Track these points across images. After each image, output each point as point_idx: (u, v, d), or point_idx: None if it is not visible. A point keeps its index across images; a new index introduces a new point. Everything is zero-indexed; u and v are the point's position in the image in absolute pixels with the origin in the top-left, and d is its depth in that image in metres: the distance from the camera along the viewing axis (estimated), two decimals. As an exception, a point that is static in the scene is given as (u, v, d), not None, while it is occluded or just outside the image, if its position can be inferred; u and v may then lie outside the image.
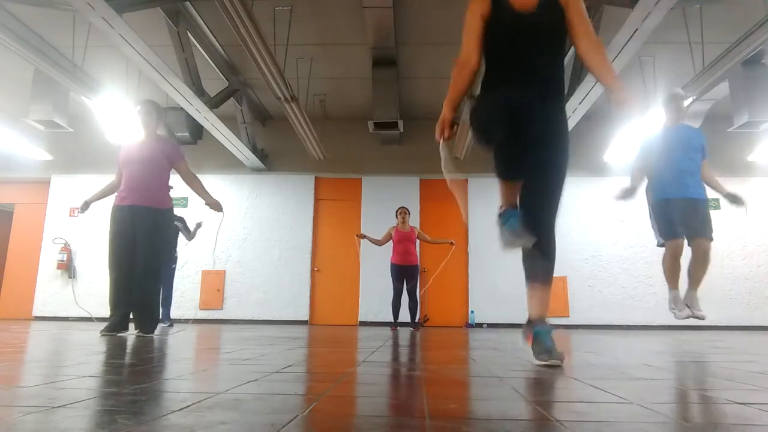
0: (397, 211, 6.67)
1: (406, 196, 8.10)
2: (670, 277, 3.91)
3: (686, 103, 4.70)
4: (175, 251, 6.21)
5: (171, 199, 4.05)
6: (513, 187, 2.12)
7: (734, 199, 3.97)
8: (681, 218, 3.81)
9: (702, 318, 3.84)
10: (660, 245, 4.00)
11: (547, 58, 2.12)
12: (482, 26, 2.13)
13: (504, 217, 2.12)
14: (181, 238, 6.27)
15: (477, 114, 2.02)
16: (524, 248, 2.11)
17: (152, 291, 3.92)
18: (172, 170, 4.06)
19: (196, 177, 4.14)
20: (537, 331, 2.05)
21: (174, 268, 6.21)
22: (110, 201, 4.01)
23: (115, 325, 3.66)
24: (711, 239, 3.77)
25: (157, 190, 3.87)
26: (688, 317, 3.82)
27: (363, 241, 6.81)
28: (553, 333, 2.07)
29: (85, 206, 4.23)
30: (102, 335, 3.54)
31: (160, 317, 6.01)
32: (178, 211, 6.37)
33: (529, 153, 1.95)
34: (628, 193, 4.04)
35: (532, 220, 2.06)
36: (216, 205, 4.19)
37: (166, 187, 3.96)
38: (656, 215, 3.97)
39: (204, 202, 4.18)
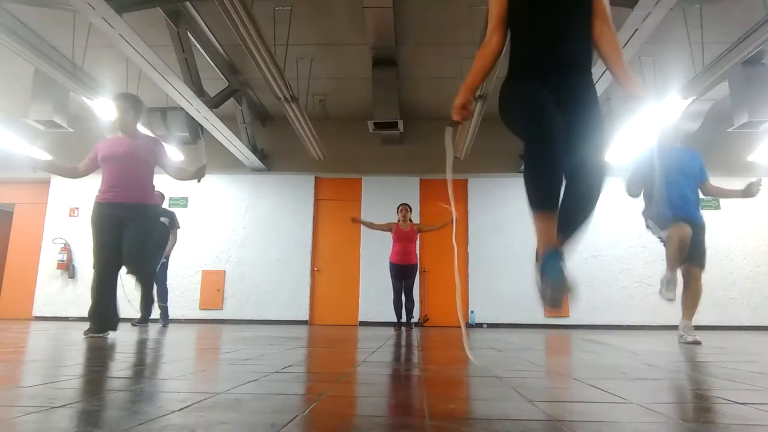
0: (397, 208, 6.40)
1: (406, 196, 8.08)
2: (675, 254, 3.78)
3: (683, 131, 4.86)
4: (164, 245, 6.07)
5: (155, 195, 3.93)
6: (550, 218, 1.79)
7: (750, 190, 3.97)
8: None
9: (698, 343, 3.75)
10: (661, 239, 3.99)
11: (574, 31, 2.00)
12: (505, 3, 2.04)
13: (543, 263, 1.74)
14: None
15: (506, 110, 1.98)
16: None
17: (147, 282, 3.87)
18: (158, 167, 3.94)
19: (182, 167, 4.07)
20: (543, 261, 1.75)
21: (165, 263, 6.11)
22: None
23: (100, 326, 3.55)
24: (703, 268, 3.89)
25: (143, 187, 3.83)
26: (671, 300, 3.78)
27: (365, 232, 6.61)
28: (563, 260, 1.74)
29: (38, 164, 3.87)
30: (88, 337, 3.43)
31: (159, 317, 6.02)
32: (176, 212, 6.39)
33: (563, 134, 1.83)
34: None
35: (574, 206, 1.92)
36: (199, 171, 4.01)
37: (150, 183, 3.91)
38: (658, 217, 3.95)
39: (196, 179, 4.05)
